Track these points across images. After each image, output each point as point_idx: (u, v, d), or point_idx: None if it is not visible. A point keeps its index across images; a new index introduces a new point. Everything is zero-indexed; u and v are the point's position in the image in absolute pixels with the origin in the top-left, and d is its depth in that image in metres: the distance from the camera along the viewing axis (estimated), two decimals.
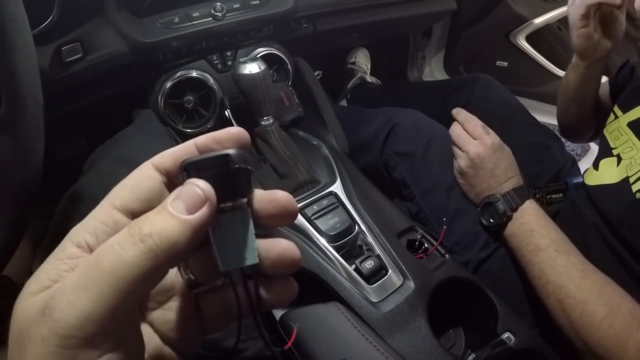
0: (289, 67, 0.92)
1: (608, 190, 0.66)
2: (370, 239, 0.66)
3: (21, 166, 0.45)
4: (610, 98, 0.86)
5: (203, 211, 0.22)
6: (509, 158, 0.75)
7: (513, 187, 0.71)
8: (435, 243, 0.69)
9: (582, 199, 0.72)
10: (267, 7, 0.85)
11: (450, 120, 0.91)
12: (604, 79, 0.87)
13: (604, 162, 0.71)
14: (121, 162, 0.62)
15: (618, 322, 0.54)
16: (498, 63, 1.59)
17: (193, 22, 0.79)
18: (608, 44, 0.75)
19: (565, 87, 0.87)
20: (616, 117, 0.72)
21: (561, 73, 1.53)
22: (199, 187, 0.23)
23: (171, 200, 0.22)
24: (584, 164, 0.91)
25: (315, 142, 0.84)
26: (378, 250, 0.65)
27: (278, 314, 0.60)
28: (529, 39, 1.51)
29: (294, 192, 0.70)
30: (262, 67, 0.71)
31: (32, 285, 0.22)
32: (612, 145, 0.69)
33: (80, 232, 0.23)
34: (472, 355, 0.61)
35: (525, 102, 1.10)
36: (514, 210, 0.69)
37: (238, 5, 0.83)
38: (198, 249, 0.26)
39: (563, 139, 0.97)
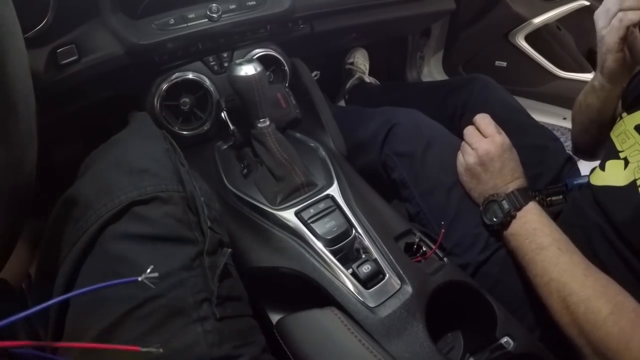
0: (286, 68, 0.91)
1: (615, 192, 0.66)
2: (367, 242, 0.65)
3: (14, 171, 0.45)
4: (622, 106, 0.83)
5: None
6: (516, 159, 0.75)
7: (517, 187, 0.71)
8: (433, 246, 0.69)
9: (586, 200, 0.71)
10: (263, 8, 0.85)
11: (449, 120, 0.91)
12: None
13: (610, 163, 0.70)
14: (116, 166, 0.62)
15: (623, 320, 0.53)
16: (497, 63, 1.59)
17: (189, 24, 0.79)
18: (634, 64, 0.73)
19: (586, 110, 0.84)
20: (621, 118, 0.71)
21: (560, 73, 1.52)
22: None
23: None
24: (583, 165, 0.91)
25: (312, 144, 0.83)
26: (375, 254, 0.64)
27: (275, 319, 0.60)
28: (528, 38, 1.50)
29: (290, 195, 0.70)
30: (258, 69, 0.71)
31: None
32: (619, 148, 0.68)
33: None
34: None
35: (524, 102, 1.09)
36: (518, 209, 0.69)
37: (234, 6, 0.82)
38: None
39: (562, 140, 0.97)
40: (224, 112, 0.81)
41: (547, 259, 0.62)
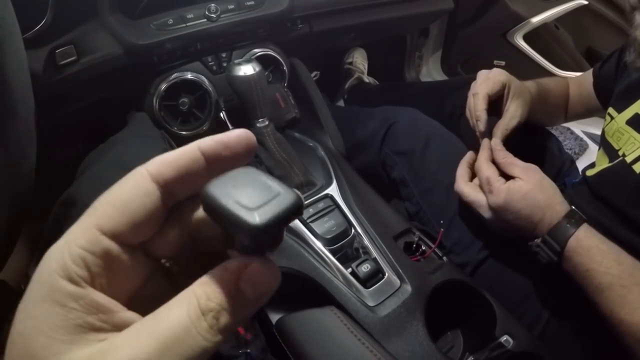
0: (285, 68, 0.91)
1: (608, 174, 0.65)
2: (366, 242, 0.65)
3: (13, 171, 0.45)
4: (594, 89, 0.85)
5: (269, 295, 0.22)
6: (549, 185, 0.64)
7: (551, 225, 0.60)
8: (432, 245, 0.69)
9: (581, 196, 0.70)
10: (262, 8, 0.85)
11: (448, 120, 0.91)
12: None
13: (602, 156, 0.70)
14: (114, 167, 0.62)
15: None
16: (495, 62, 1.59)
17: (187, 24, 0.79)
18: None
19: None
20: (612, 118, 0.71)
21: (559, 72, 1.52)
22: (273, 276, 0.22)
23: (246, 285, 0.21)
24: (582, 163, 0.91)
25: (311, 144, 0.83)
26: (375, 253, 0.64)
27: (274, 318, 0.60)
28: (526, 38, 1.50)
29: None
30: (257, 69, 0.71)
31: (54, 344, 0.19)
32: (616, 147, 0.68)
33: (67, 263, 0.20)
34: (471, 359, 0.60)
35: None
36: (559, 254, 0.59)
37: (233, 6, 0.82)
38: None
39: (561, 139, 0.97)
40: (223, 112, 0.81)
41: (610, 299, 0.55)
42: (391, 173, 0.86)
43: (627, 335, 0.53)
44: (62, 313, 0.20)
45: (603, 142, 0.73)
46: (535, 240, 0.61)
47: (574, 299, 0.62)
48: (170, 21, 0.78)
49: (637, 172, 0.60)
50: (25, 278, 0.85)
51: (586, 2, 1.42)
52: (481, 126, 0.72)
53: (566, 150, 0.94)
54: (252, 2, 0.84)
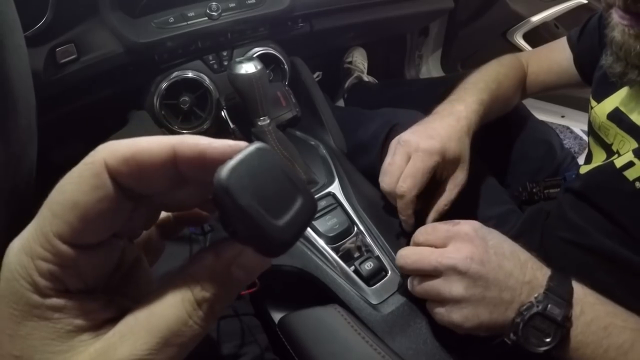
0: (286, 66, 0.91)
1: (595, 174, 0.62)
2: (369, 240, 0.65)
3: (14, 170, 0.45)
4: (576, 67, 0.80)
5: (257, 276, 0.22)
6: (503, 237, 0.51)
7: (546, 275, 0.47)
8: None
9: (569, 199, 0.66)
10: (263, 7, 0.85)
11: None
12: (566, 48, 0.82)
13: (598, 151, 0.67)
14: None
15: None
16: None
17: (188, 22, 0.78)
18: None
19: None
20: (591, 107, 0.67)
21: None
22: (265, 261, 0.22)
23: (240, 272, 0.21)
24: (582, 162, 0.91)
25: (312, 143, 0.83)
26: (377, 251, 0.64)
27: (277, 317, 0.59)
28: (526, 37, 1.50)
29: None
30: (259, 67, 0.71)
31: (52, 358, 0.20)
32: (608, 142, 0.65)
33: (35, 278, 0.19)
34: (475, 356, 0.60)
35: (523, 101, 1.09)
36: (570, 305, 0.45)
37: (234, 4, 0.82)
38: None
39: (561, 136, 0.97)
40: (224, 110, 0.81)
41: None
42: None
43: None
44: (50, 325, 0.19)
45: (593, 134, 0.68)
46: (530, 299, 0.45)
47: None
48: (171, 19, 0.78)
49: (630, 179, 0.55)
50: None
51: (586, 1, 1.42)
52: (409, 228, 0.64)
53: (566, 147, 0.94)
54: (253, 1, 0.84)
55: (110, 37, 0.74)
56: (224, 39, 0.85)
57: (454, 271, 0.46)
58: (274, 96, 0.85)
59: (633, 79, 0.54)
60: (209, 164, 0.20)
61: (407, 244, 0.67)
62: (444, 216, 0.66)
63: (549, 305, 0.44)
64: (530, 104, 1.53)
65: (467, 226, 0.50)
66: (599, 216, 0.60)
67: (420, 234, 0.53)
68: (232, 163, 0.19)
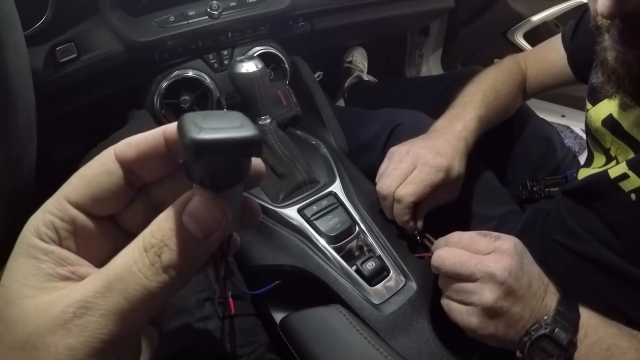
0: (286, 66, 0.91)
1: (591, 181, 0.61)
2: (371, 239, 0.65)
3: (13, 168, 0.44)
4: (570, 67, 0.79)
5: (219, 234, 0.22)
6: (530, 257, 0.52)
7: (557, 299, 0.49)
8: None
9: (568, 203, 0.66)
10: (263, 6, 0.84)
11: None
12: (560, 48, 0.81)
13: (598, 157, 0.67)
14: None
15: None
16: (496, 61, 1.58)
17: (189, 21, 0.78)
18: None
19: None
20: (587, 110, 0.67)
21: None
22: (217, 210, 0.22)
23: (188, 219, 0.22)
24: (582, 161, 0.91)
25: (313, 142, 0.83)
26: (379, 251, 0.64)
27: (278, 317, 0.59)
28: (526, 36, 1.50)
29: (292, 192, 0.69)
30: (260, 66, 0.70)
31: (24, 289, 0.22)
32: (606, 147, 0.64)
33: (39, 226, 0.23)
34: (477, 356, 0.60)
35: None
36: (576, 329, 0.46)
37: (234, 3, 0.82)
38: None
39: (562, 135, 0.97)
40: (225, 109, 0.81)
41: None
42: None
43: None
44: (35, 264, 0.23)
45: (591, 136, 0.68)
46: (544, 317, 0.47)
47: None
48: (172, 18, 0.77)
49: (626, 191, 0.54)
50: None
51: (585, 1, 1.41)
52: (411, 231, 0.65)
53: (567, 146, 0.94)
54: (254, 0, 0.84)
55: (111, 36, 0.74)
56: (224, 38, 0.85)
57: (491, 279, 0.47)
58: (275, 95, 0.85)
59: (627, 103, 0.54)
60: None
61: (408, 244, 0.67)
62: (440, 217, 0.67)
63: (556, 329, 0.45)
64: (530, 103, 1.52)
65: (509, 241, 0.51)
66: (595, 224, 0.59)
67: (454, 242, 0.53)
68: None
